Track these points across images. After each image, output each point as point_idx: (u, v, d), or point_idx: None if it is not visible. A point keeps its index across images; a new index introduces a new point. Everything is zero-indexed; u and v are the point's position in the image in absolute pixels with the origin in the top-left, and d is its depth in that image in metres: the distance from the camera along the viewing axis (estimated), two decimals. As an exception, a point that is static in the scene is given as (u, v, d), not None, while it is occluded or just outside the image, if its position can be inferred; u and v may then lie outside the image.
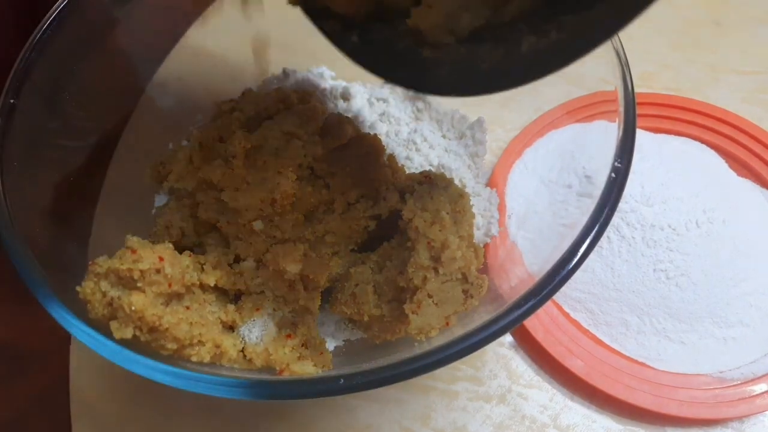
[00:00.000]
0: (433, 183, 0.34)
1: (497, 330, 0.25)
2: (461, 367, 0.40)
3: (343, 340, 0.37)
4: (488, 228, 0.40)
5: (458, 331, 0.27)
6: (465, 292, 0.31)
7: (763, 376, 0.37)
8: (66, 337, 0.41)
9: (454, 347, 0.25)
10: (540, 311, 0.39)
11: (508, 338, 0.41)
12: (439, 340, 0.29)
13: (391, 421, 0.38)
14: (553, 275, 0.26)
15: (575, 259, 0.26)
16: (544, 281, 0.26)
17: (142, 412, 0.39)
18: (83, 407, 0.39)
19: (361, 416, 0.39)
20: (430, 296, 0.30)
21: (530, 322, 0.39)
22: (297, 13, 0.32)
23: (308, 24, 0.31)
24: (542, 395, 0.39)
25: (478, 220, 0.40)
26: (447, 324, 0.31)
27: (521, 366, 0.40)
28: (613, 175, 0.28)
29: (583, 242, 0.27)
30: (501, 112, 0.43)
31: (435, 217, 0.31)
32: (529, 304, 0.26)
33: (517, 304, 0.26)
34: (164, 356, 0.29)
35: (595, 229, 0.27)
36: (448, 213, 0.31)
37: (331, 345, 0.36)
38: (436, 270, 0.30)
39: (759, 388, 0.36)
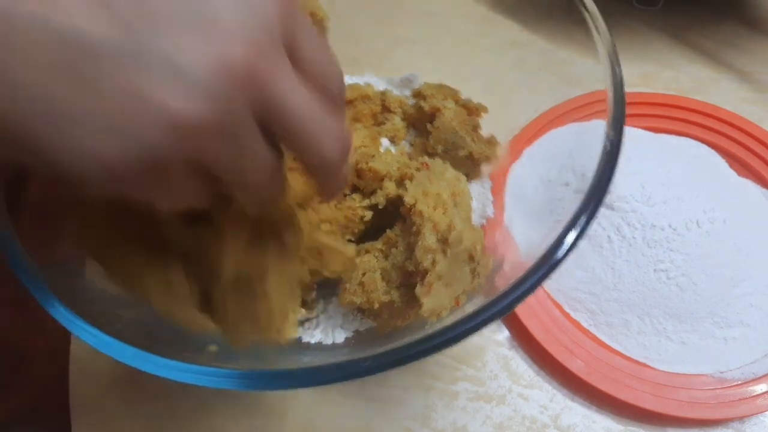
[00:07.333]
0: (431, 169, 0.35)
1: (507, 303, 0.24)
2: (461, 367, 0.40)
3: (353, 331, 0.37)
4: (483, 210, 0.41)
5: (468, 309, 0.26)
6: (472, 271, 0.31)
7: (764, 376, 0.37)
8: (66, 337, 0.41)
9: (463, 325, 0.24)
10: (540, 311, 0.39)
11: (508, 337, 0.41)
12: (449, 320, 0.29)
13: (391, 421, 0.38)
14: (552, 248, 0.25)
15: (573, 230, 0.25)
16: (547, 252, 0.25)
17: (141, 412, 0.39)
18: (83, 407, 0.39)
19: (361, 416, 0.39)
20: (439, 278, 0.30)
21: (530, 322, 0.39)
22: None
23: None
24: (542, 395, 0.39)
25: (473, 204, 0.40)
26: (457, 303, 0.31)
27: (521, 366, 0.40)
28: (607, 145, 0.28)
29: (581, 214, 0.26)
30: (500, 111, 0.43)
31: (437, 201, 0.32)
32: (536, 266, 0.25)
33: (527, 275, 0.25)
34: (167, 352, 0.29)
35: (590, 208, 0.26)
36: (448, 196, 0.32)
37: (340, 337, 0.36)
38: (444, 252, 0.30)
39: (760, 388, 0.36)
